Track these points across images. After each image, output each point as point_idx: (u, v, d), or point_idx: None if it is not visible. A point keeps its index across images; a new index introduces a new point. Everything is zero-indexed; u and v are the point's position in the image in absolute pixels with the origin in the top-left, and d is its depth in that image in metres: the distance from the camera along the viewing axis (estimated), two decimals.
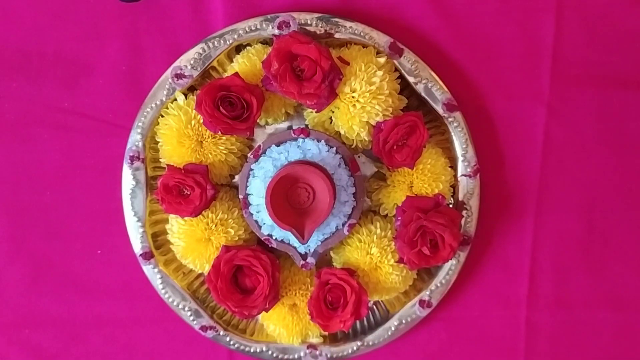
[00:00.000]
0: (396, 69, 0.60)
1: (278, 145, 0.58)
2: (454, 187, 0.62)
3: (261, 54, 0.58)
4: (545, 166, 0.64)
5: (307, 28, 0.59)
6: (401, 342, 0.65)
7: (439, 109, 0.61)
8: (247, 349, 0.64)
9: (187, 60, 0.60)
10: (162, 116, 0.60)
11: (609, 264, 0.65)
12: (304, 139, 0.57)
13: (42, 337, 0.66)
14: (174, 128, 0.59)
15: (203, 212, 0.59)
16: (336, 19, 0.59)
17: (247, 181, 0.58)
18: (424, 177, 0.60)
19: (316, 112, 0.58)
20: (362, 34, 0.59)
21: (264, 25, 0.59)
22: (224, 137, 0.59)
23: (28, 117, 0.63)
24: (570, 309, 0.65)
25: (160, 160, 0.61)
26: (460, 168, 0.62)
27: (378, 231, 0.60)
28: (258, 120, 0.59)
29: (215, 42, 0.59)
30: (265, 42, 0.60)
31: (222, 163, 0.60)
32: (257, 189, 0.57)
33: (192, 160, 0.59)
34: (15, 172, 0.63)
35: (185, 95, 0.60)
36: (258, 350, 0.64)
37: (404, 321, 0.63)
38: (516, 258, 0.65)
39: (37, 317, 0.65)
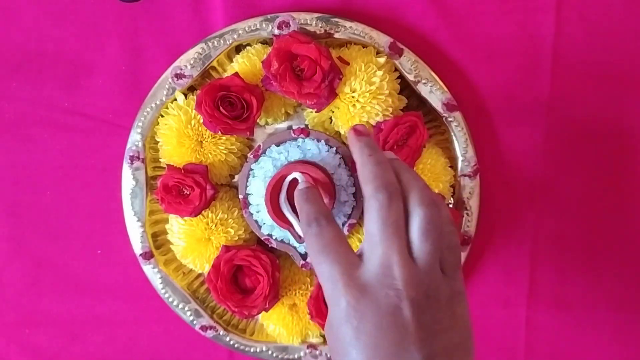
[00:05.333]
0: (396, 69, 0.60)
1: (278, 145, 0.57)
2: (454, 187, 0.62)
3: (261, 54, 0.58)
4: (545, 166, 0.63)
5: (307, 28, 0.59)
6: None
7: (439, 109, 0.61)
8: (247, 349, 0.64)
9: (187, 60, 0.60)
10: (162, 116, 0.60)
11: (609, 264, 0.65)
12: (304, 138, 0.57)
13: (42, 337, 0.66)
14: (174, 128, 0.59)
15: (203, 212, 0.59)
16: (336, 19, 0.59)
17: (247, 181, 0.58)
18: (424, 177, 0.60)
19: (316, 112, 0.58)
20: (362, 34, 0.59)
21: (264, 25, 0.59)
22: (224, 137, 0.59)
23: (28, 117, 0.63)
24: (570, 309, 0.65)
25: (160, 160, 0.61)
26: (460, 168, 0.62)
27: None
28: (258, 120, 0.59)
29: (215, 42, 0.59)
30: (265, 42, 0.60)
31: (222, 163, 0.60)
32: (257, 189, 0.57)
33: (192, 160, 0.59)
34: (15, 172, 0.63)
35: (185, 95, 0.60)
36: (258, 350, 0.64)
37: None
38: (516, 258, 0.65)
39: (37, 317, 0.65)
